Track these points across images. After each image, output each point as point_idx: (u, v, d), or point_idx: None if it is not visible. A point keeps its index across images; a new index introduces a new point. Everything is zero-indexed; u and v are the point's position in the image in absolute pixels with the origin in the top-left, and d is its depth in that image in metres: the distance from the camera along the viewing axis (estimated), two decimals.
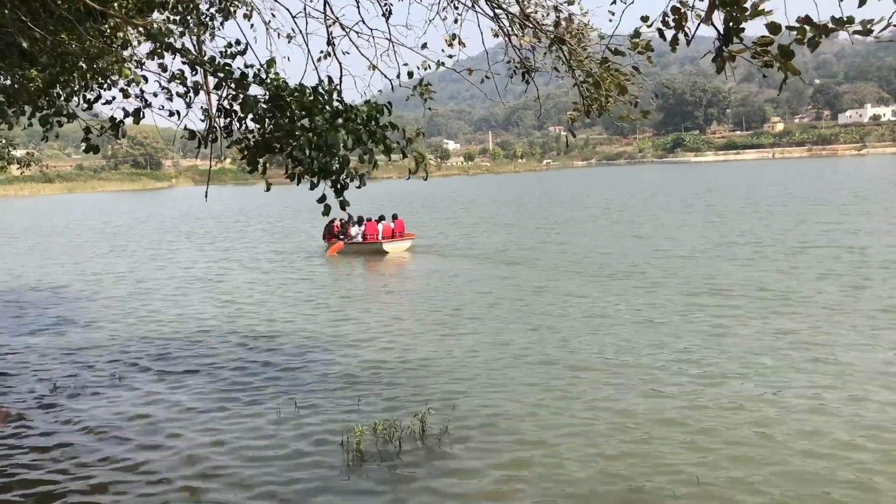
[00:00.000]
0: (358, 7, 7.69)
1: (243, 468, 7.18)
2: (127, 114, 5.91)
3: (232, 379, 10.16)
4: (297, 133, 4.94)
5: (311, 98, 5.00)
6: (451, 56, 7.72)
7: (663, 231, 26.79)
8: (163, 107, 6.16)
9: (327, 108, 5.01)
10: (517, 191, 67.38)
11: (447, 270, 19.68)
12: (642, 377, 9.46)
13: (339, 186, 5.01)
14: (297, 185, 5.17)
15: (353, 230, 25.19)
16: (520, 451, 7.32)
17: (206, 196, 6.39)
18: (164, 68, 6.13)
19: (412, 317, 13.87)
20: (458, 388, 9.33)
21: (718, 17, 3.49)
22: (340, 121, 4.97)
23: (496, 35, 7.70)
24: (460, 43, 7.65)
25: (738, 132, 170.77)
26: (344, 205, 5.01)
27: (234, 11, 7.81)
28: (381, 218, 25.08)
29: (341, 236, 25.53)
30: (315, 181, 5.03)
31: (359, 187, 5.04)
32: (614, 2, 6.15)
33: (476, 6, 7.59)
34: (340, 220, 25.71)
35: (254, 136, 5.26)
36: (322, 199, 4.98)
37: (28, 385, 10.27)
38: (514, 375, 9.76)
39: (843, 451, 7.04)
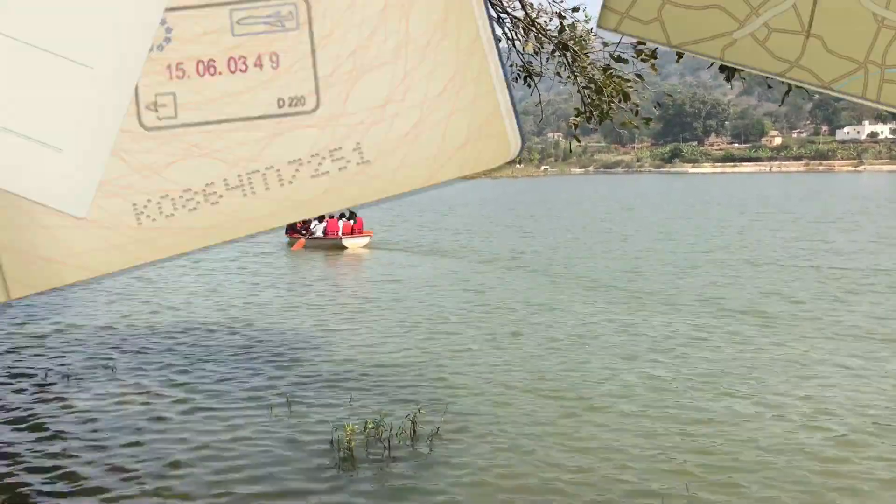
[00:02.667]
0: None
1: (232, 464, 7.17)
2: None
3: (218, 376, 10.10)
4: None
5: None
6: None
7: (653, 243, 26.88)
8: None
9: None
10: (515, 197, 67.44)
11: (439, 273, 19.70)
12: (632, 386, 9.49)
13: None
14: None
15: (314, 226, 26.17)
16: (511, 455, 7.32)
17: None
18: None
19: (403, 319, 13.86)
20: (450, 390, 9.34)
21: None
22: None
23: (499, 41, 7.72)
24: None
25: (737, 145, 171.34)
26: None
27: None
28: (342, 216, 25.90)
29: (303, 232, 26.35)
30: None
31: None
32: None
33: None
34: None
35: None
36: None
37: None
38: (508, 380, 9.77)
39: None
